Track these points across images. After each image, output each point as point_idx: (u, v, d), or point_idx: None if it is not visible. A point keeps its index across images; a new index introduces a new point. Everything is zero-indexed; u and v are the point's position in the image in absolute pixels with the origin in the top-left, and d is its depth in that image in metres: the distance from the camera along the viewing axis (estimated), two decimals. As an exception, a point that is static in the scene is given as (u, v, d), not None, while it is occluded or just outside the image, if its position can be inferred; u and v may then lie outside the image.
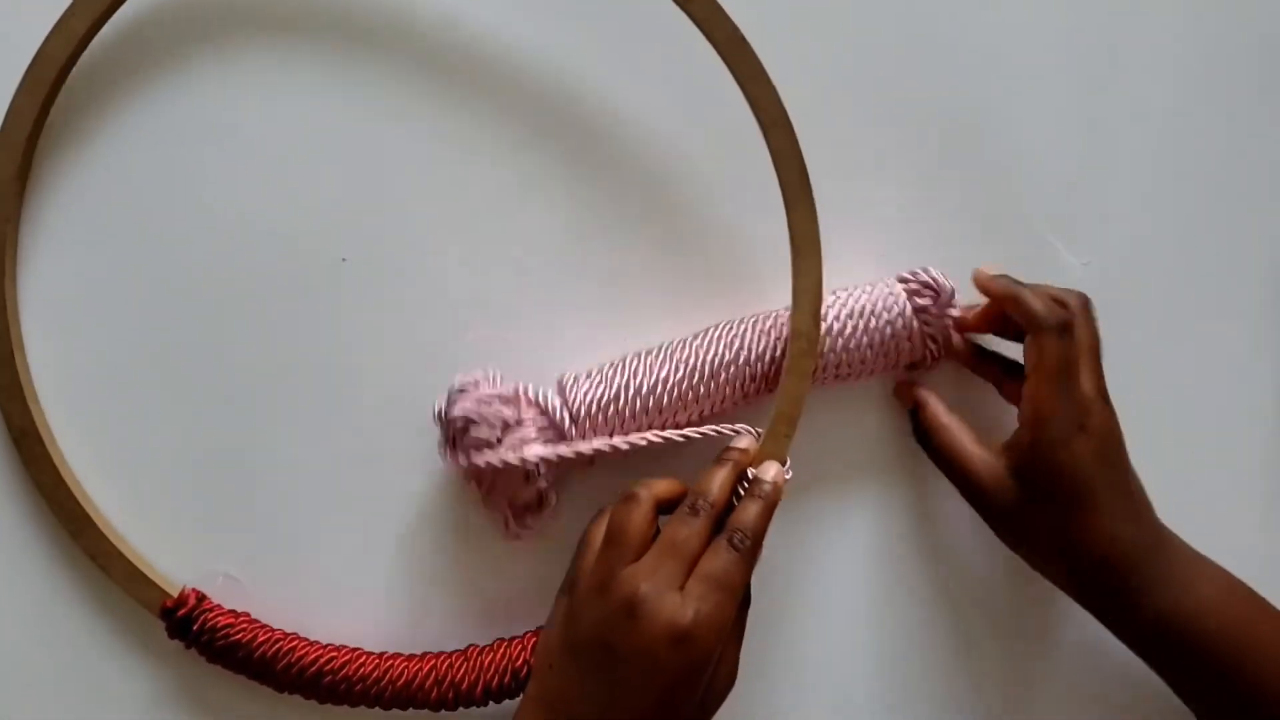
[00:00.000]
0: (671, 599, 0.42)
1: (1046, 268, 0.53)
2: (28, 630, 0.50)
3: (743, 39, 0.47)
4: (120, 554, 0.48)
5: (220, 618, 0.48)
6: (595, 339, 0.51)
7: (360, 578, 0.51)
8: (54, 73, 0.47)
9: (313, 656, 0.48)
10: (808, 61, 0.51)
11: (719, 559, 0.43)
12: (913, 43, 0.52)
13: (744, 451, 0.47)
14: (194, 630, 0.48)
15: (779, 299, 0.49)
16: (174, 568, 0.50)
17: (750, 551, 0.44)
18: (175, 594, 0.48)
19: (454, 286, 0.50)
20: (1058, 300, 0.47)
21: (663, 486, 0.46)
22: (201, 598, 0.49)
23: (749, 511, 0.45)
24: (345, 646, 0.49)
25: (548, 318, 0.51)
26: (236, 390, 0.50)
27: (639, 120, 0.51)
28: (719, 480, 0.46)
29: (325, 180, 0.50)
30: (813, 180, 0.47)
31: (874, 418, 0.52)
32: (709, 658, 0.43)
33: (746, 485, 0.46)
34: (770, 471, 0.46)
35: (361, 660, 0.48)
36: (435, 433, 0.47)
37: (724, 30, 0.46)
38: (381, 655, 0.48)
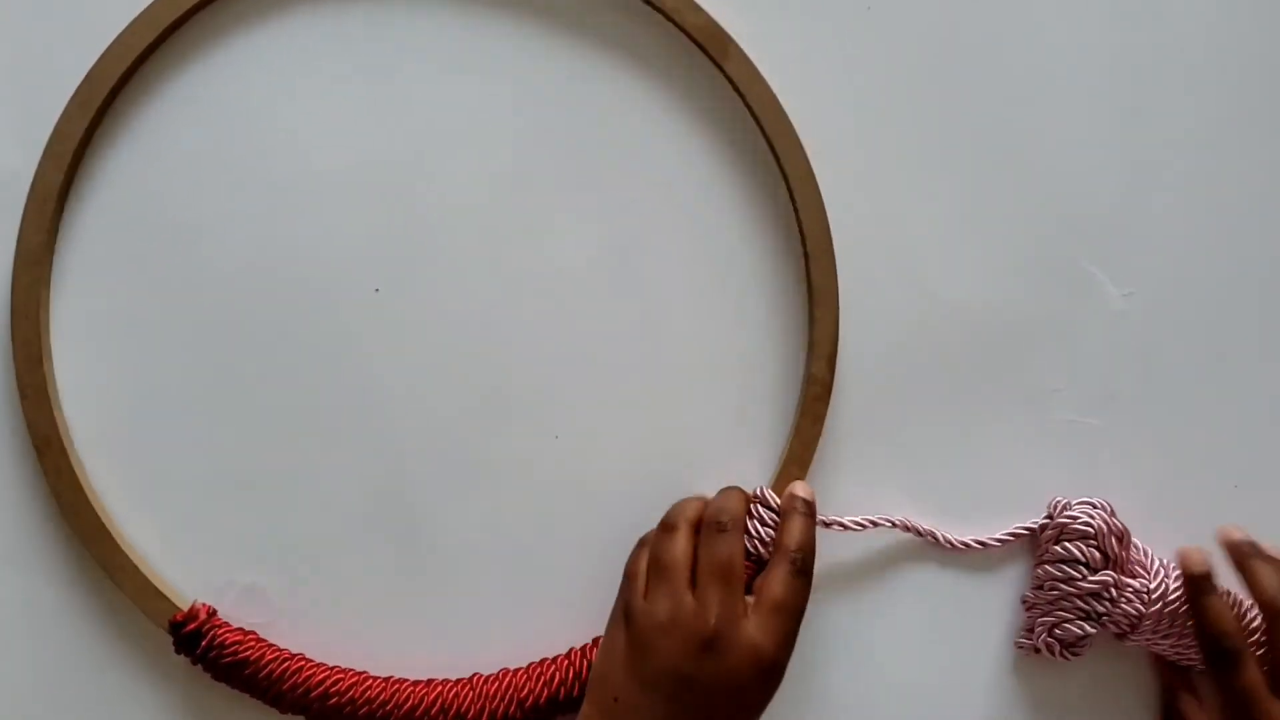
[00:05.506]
0: (747, 631, 0.44)
1: (1089, 299, 0.53)
2: (39, 641, 0.50)
3: (774, 98, 0.49)
4: (134, 567, 0.48)
5: (228, 634, 0.48)
6: (620, 371, 0.51)
7: (376, 601, 0.51)
8: (104, 93, 0.48)
9: (319, 678, 0.48)
10: (848, 93, 0.52)
11: (786, 586, 0.45)
12: (952, 73, 0.52)
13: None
14: (202, 646, 0.48)
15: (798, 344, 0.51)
16: (193, 585, 0.50)
17: (810, 570, 0.46)
18: (187, 609, 0.49)
19: (485, 316, 0.51)
20: None
21: (693, 508, 0.48)
22: (212, 613, 0.49)
23: (800, 529, 0.47)
24: (351, 669, 0.49)
25: (576, 347, 0.51)
26: (262, 412, 0.50)
27: (668, 166, 0.51)
28: (734, 496, 0.48)
29: (358, 210, 0.50)
30: (850, 212, 0.50)
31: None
32: (781, 679, 0.45)
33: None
34: (800, 488, 0.48)
35: (368, 684, 0.48)
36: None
37: (757, 90, 0.49)
38: (388, 680, 0.49)
